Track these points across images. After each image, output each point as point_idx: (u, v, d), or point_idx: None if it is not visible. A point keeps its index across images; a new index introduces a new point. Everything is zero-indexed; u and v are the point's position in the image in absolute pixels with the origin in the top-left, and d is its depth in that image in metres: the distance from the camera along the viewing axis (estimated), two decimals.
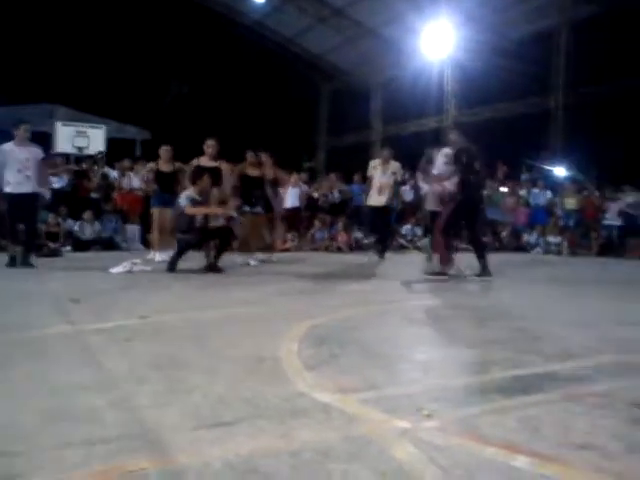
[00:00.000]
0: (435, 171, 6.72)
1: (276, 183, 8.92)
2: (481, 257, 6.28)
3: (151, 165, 8.81)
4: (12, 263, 7.10)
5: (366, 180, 9.94)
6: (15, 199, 7.03)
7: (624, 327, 3.43)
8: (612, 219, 12.27)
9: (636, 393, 2.06)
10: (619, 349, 2.81)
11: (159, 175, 8.43)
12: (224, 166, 7.91)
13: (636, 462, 1.49)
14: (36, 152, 7.32)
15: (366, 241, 13.21)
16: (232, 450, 1.54)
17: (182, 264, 6.71)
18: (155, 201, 8.67)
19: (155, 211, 8.59)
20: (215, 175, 7.54)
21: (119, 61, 18.18)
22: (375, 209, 9.22)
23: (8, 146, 7.11)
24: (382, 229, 9.59)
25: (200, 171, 7.24)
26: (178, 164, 8.52)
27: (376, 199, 9.04)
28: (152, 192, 8.84)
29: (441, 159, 6.58)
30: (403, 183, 10.48)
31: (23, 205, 7.09)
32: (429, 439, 1.63)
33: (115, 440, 1.60)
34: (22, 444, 1.56)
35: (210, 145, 7.84)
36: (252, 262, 8.02)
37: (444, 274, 6.22)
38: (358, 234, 13.38)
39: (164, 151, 8.35)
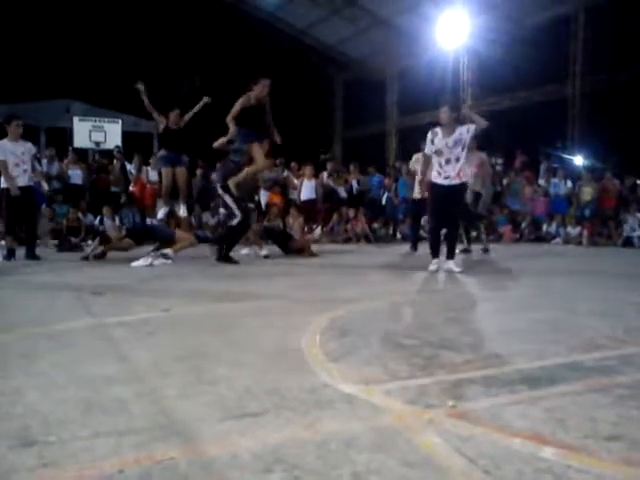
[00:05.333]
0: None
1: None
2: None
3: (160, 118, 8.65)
4: (10, 256, 7.24)
5: (408, 174, 10.52)
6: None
7: None
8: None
9: None
10: None
11: (166, 132, 8.38)
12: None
13: None
14: (29, 146, 7.45)
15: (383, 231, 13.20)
16: (259, 441, 1.55)
17: (200, 257, 6.76)
18: (162, 161, 8.60)
19: (164, 170, 8.54)
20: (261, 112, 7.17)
21: (132, 55, 18.23)
22: (419, 202, 9.22)
23: (2, 142, 7.21)
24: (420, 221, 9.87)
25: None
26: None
27: (419, 192, 9.14)
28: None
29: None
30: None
31: (22, 198, 7.23)
32: (454, 429, 1.63)
33: (143, 431, 1.62)
34: (54, 434, 1.59)
35: (265, 84, 7.06)
36: (263, 252, 8.11)
37: None
38: (376, 224, 13.37)
39: (174, 115, 8.34)
